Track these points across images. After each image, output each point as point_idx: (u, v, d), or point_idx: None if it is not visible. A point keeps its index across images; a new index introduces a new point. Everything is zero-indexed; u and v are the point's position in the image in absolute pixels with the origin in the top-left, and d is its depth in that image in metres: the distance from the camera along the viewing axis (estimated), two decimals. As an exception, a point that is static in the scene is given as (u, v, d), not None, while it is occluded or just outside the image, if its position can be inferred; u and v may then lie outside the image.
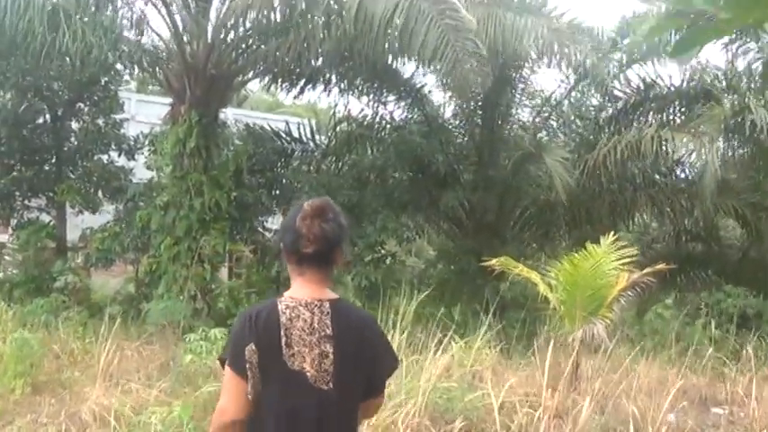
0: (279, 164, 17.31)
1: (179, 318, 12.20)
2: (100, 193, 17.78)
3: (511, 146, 16.54)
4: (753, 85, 16.36)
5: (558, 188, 13.65)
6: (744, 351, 11.04)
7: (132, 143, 18.18)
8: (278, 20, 13.67)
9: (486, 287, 14.69)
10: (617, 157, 14.64)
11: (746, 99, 14.64)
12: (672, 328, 12.92)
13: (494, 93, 15.71)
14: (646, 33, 15.32)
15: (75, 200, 16.81)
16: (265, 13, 13.57)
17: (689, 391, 9.17)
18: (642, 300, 12.01)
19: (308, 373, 3.10)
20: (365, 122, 17.12)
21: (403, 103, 17.27)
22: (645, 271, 9.11)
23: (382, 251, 15.85)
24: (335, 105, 17.44)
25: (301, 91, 16.58)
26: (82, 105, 17.94)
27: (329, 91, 16.51)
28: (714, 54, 19.56)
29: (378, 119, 17.25)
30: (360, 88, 16.78)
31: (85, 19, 12.68)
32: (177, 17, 14.20)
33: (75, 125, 18.14)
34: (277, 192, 16.92)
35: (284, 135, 17.61)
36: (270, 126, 18.00)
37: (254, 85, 32.72)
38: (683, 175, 17.63)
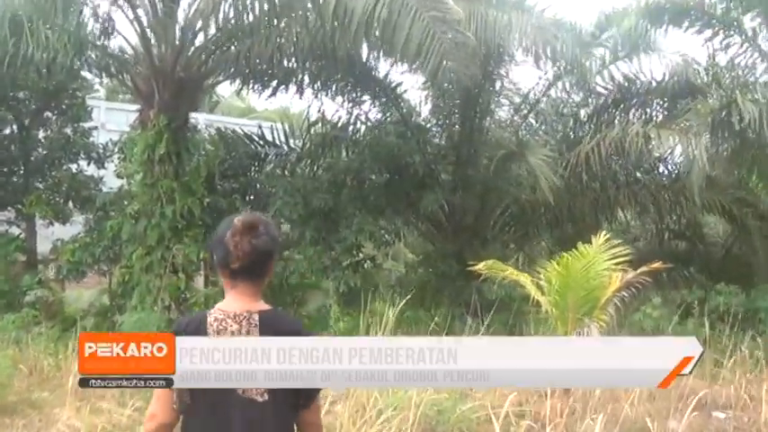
0: (252, 168, 16.93)
1: (153, 329, 11.76)
2: (70, 204, 17.28)
3: (492, 145, 16.17)
4: (737, 81, 16.16)
5: (543, 188, 13.34)
6: (738, 351, 10.77)
7: (101, 151, 17.75)
8: (250, 19, 13.26)
9: (467, 289, 14.44)
10: (600, 154, 14.38)
11: (733, 94, 14.40)
12: (661, 329, 12.66)
13: (474, 90, 15.33)
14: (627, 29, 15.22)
15: (45, 211, 16.33)
16: (238, 10, 13.14)
17: (687, 394, 8.77)
18: (626, 300, 11.66)
19: None
20: (339, 124, 16.72)
21: (378, 103, 16.87)
22: (639, 270, 8.74)
23: (360, 255, 15.53)
24: (309, 107, 17.06)
25: (273, 93, 16.08)
26: (49, 114, 17.53)
27: (302, 92, 16.03)
28: (695, 50, 19.48)
29: (353, 119, 16.85)
30: (334, 88, 16.39)
31: (48, 25, 12.32)
32: (144, 19, 13.75)
33: (42, 134, 17.72)
34: (251, 197, 16.50)
35: (257, 139, 17.21)
36: (242, 130, 17.61)
37: (226, 91, 32.63)
38: (665, 172, 17.39)
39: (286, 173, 16.76)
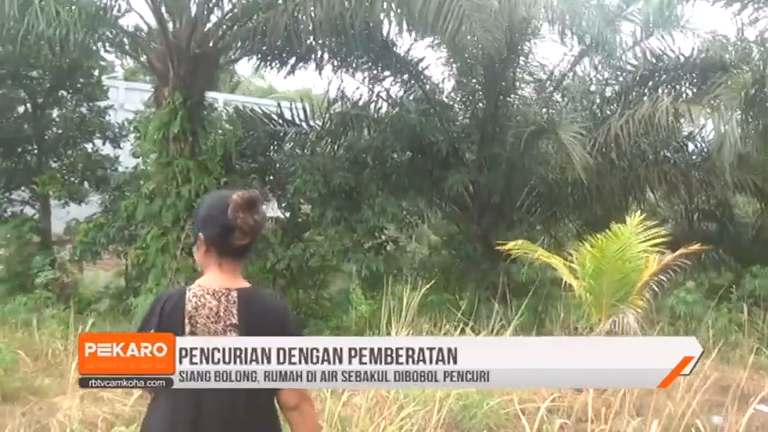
0: (271, 148, 16.51)
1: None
2: (86, 184, 16.99)
3: (519, 122, 15.68)
4: (767, 55, 15.61)
5: (576, 166, 12.84)
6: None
7: (117, 130, 17.41)
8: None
9: (492, 272, 14.05)
10: (629, 132, 13.90)
11: (765, 69, 13.88)
12: (695, 315, 12.22)
13: (497, 65, 14.88)
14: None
15: (59, 191, 16.04)
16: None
17: (727, 385, 8.24)
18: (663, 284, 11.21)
19: None
20: (360, 102, 16.34)
21: (400, 80, 16.46)
22: (678, 252, 8.30)
23: (382, 237, 15.13)
24: (329, 83, 16.69)
25: (292, 70, 15.64)
26: (64, 93, 17.17)
27: (321, 69, 15.59)
28: (723, 24, 18.94)
29: (374, 97, 16.48)
30: (354, 65, 15.97)
31: (58, -1, 11.98)
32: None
33: (56, 113, 17.39)
34: (270, 177, 16.08)
35: (276, 118, 16.78)
36: (262, 110, 17.19)
37: (246, 70, 32.34)
38: (695, 150, 16.88)
39: (306, 152, 16.39)
